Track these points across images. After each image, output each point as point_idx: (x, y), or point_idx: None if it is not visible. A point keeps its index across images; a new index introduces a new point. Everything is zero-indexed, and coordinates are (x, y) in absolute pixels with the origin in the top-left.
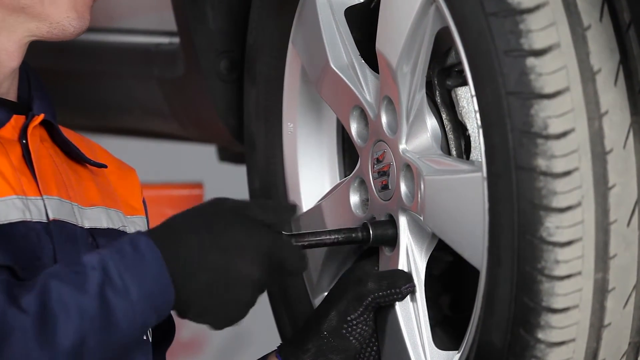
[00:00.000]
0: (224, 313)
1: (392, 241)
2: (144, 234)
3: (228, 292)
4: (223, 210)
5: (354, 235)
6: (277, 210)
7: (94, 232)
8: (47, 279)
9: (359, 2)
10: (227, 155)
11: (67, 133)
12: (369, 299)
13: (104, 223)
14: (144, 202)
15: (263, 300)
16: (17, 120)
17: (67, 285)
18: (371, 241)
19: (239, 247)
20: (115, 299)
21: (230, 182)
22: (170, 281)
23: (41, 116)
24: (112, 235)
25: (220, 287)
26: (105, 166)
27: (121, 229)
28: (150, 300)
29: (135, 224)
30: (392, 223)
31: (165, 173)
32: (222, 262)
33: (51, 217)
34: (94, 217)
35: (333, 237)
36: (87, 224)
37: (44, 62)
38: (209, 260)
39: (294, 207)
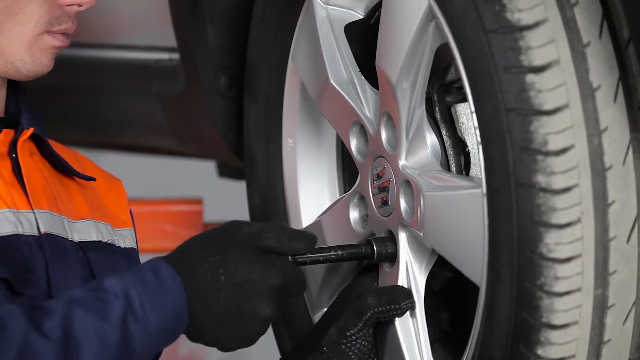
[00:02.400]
0: (236, 342)
1: (393, 257)
2: (165, 262)
3: (242, 326)
4: (238, 240)
5: (358, 251)
6: (293, 238)
7: (83, 246)
8: (70, 305)
9: (358, 18)
10: (227, 171)
11: (56, 146)
12: (369, 314)
13: (93, 236)
14: (131, 213)
15: None
16: (6, 135)
17: (89, 312)
18: (375, 258)
19: (253, 285)
20: (135, 330)
21: (230, 197)
22: (187, 315)
23: (30, 130)
24: (102, 248)
25: (234, 322)
26: (93, 179)
27: (110, 242)
28: (166, 330)
29: (123, 236)
30: (393, 239)
31: (164, 189)
32: (236, 300)
33: (42, 230)
34: (84, 230)
35: (338, 253)
36: (76, 237)
37: (45, 78)
38: (222, 297)
39: (313, 238)
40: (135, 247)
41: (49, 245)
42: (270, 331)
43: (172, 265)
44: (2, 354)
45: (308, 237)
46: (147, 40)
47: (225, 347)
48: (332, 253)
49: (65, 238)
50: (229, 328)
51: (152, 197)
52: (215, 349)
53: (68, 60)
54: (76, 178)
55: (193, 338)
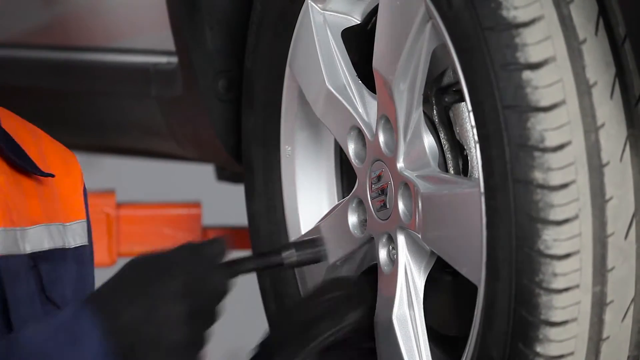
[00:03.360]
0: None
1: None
2: (86, 308)
3: (163, 334)
4: (150, 264)
5: (274, 258)
6: (209, 246)
7: (35, 257)
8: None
9: (355, 23)
10: (225, 174)
11: (14, 126)
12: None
13: (45, 244)
14: (85, 194)
15: (262, 322)
16: None
17: None
18: (289, 263)
19: (157, 290)
20: None
21: (228, 201)
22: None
23: None
24: (53, 257)
25: (155, 336)
26: (52, 175)
27: (61, 247)
28: None
29: (74, 232)
30: (318, 241)
31: (163, 192)
32: (149, 316)
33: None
34: (36, 239)
35: (255, 264)
36: (28, 248)
37: (43, 82)
38: (138, 322)
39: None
40: (87, 241)
41: (4, 267)
42: None
43: (93, 312)
44: None
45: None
46: (146, 44)
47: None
48: (251, 264)
49: (18, 254)
50: (159, 347)
51: (151, 201)
52: (214, 350)
53: (66, 64)
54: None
55: None
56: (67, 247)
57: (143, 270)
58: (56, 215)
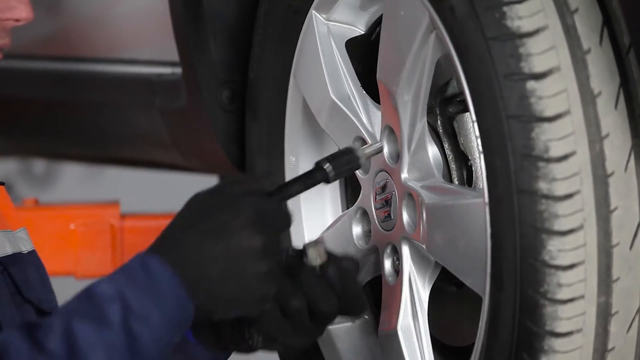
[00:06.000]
0: (248, 296)
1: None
2: (151, 254)
3: (243, 273)
4: (208, 203)
5: (318, 174)
6: (250, 178)
7: (2, 262)
8: (67, 319)
9: (359, 34)
10: None
11: None
12: None
13: (7, 248)
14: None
15: None
16: None
17: (89, 322)
18: (332, 176)
19: (233, 229)
20: (139, 327)
21: None
22: (189, 299)
23: None
24: (17, 260)
25: (234, 272)
26: (3, 183)
27: (19, 251)
28: (171, 321)
29: (23, 240)
30: (351, 151)
31: (167, 203)
32: (228, 251)
33: None
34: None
35: (303, 184)
36: None
37: (46, 93)
38: (218, 260)
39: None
40: (33, 247)
41: None
42: None
43: (161, 255)
44: None
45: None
46: (149, 55)
47: (242, 310)
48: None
49: None
50: (235, 286)
51: (155, 212)
52: None
53: (70, 75)
54: None
55: (206, 318)
56: (23, 251)
57: (208, 206)
58: (3, 224)
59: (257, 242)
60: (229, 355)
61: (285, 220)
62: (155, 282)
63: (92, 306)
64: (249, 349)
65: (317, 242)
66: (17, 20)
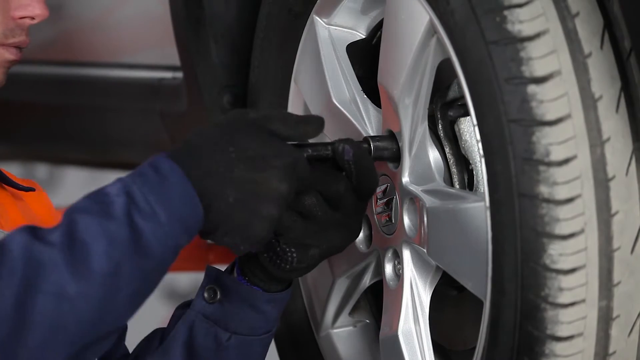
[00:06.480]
0: (251, 230)
1: (394, 157)
2: (164, 155)
3: (257, 206)
4: (246, 123)
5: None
6: (299, 123)
7: None
8: (72, 213)
9: (360, 38)
10: None
11: None
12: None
13: None
14: None
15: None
16: None
17: (92, 214)
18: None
19: (266, 160)
20: (143, 222)
21: None
22: (197, 199)
23: None
24: None
25: (249, 201)
26: (33, 189)
27: None
28: (180, 220)
29: None
30: (393, 137)
31: None
32: (251, 175)
33: None
34: None
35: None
36: None
37: (48, 97)
38: (236, 175)
39: (319, 121)
40: None
41: None
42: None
43: (173, 158)
44: (10, 272)
45: (315, 121)
46: (151, 59)
47: (238, 240)
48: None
49: None
50: (245, 213)
51: None
52: None
53: (72, 79)
54: (8, 188)
55: (208, 231)
56: None
57: (248, 134)
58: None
59: (283, 189)
60: (287, 290)
61: (307, 177)
62: (162, 180)
63: (98, 202)
64: (292, 268)
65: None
66: (32, 17)
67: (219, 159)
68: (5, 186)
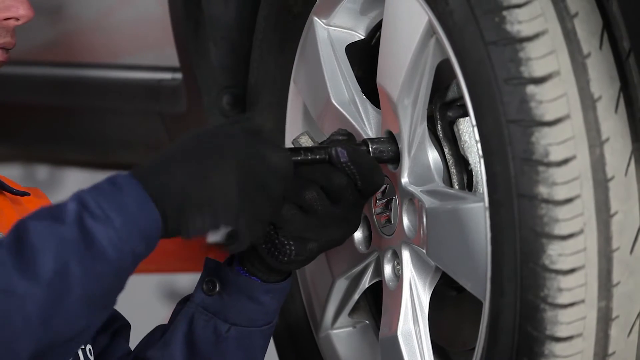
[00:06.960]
0: (215, 214)
1: (395, 160)
2: (121, 173)
3: (213, 194)
4: (198, 133)
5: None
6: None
7: None
8: (24, 220)
9: (360, 39)
10: None
11: None
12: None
13: None
14: None
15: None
16: None
17: (43, 220)
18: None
19: (215, 152)
20: (95, 226)
21: None
22: (153, 204)
23: None
24: None
25: (204, 192)
26: (28, 194)
27: None
28: (135, 225)
29: None
30: (393, 140)
31: None
32: (201, 168)
33: None
34: None
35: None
36: None
37: (48, 99)
38: (188, 170)
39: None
40: None
41: None
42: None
43: (132, 172)
44: None
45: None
46: (150, 60)
47: (208, 225)
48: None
49: None
50: (204, 204)
51: None
52: None
53: (71, 80)
54: (6, 193)
55: (174, 232)
56: None
57: (196, 142)
58: None
59: (231, 179)
60: (287, 280)
61: (280, 166)
62: (116, 189)
63: (49, 209)
64: (290, 260)
65: (305, 132)
66: (17, 18)
67: (174, 167)
68: (4, 192)
